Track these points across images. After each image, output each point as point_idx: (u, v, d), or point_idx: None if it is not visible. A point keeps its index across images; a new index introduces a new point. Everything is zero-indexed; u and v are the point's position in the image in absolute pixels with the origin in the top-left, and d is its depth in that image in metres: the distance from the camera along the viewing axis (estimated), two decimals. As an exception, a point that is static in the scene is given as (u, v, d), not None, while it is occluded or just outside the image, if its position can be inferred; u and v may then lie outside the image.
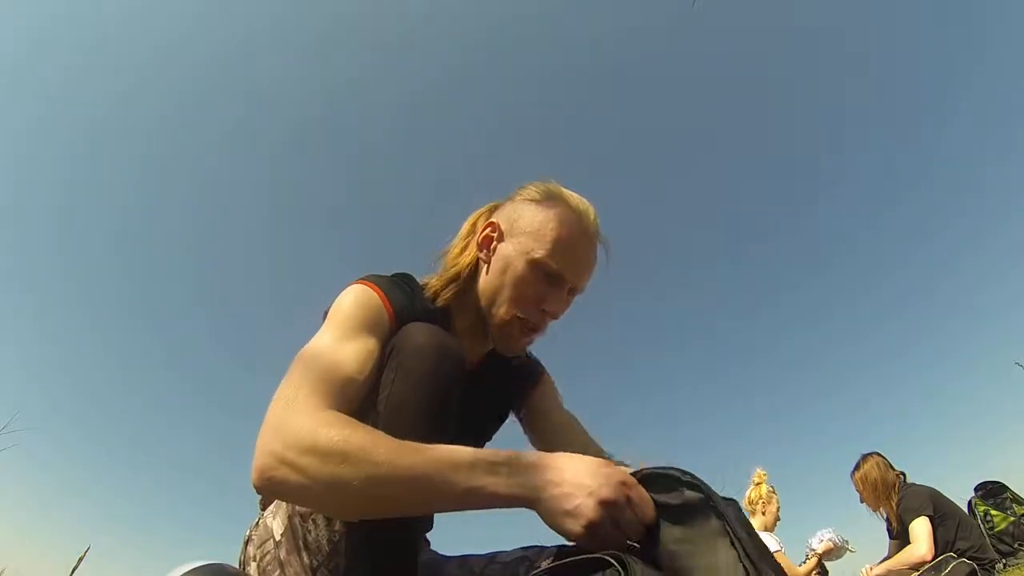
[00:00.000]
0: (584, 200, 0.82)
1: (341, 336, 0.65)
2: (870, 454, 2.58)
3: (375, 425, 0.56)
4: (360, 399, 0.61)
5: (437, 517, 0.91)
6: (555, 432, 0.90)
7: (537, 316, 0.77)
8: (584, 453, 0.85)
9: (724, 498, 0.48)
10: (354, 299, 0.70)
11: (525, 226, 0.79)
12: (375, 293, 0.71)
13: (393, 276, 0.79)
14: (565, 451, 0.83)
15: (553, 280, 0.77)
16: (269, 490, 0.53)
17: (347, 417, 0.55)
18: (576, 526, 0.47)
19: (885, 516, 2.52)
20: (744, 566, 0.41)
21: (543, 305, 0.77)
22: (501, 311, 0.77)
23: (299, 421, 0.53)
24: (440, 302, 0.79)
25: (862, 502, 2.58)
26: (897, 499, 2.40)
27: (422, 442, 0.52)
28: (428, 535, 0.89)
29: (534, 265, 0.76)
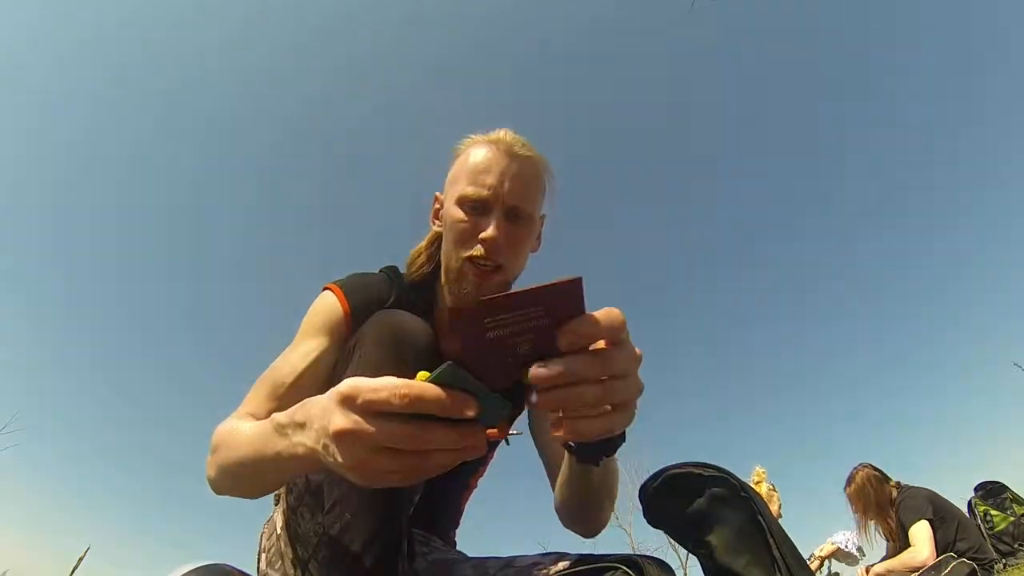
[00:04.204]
0: (501, 130, 0.81)
1: (290, 347, 0.72)
2: (861, 467, 2.53)
3: None
4: (299, 398, 0.64)
5: (466, 517, 0.92)
6: (551, 445, 0.82)
7: (484, 250, 0.74)
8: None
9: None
10: (311, 308, 0.76)
11: (451, 178, 0.82)
12: (332, 294, 0.76)
13: (381, 270, 0.84)
14: (558, 468, 0.74)
15: (480, 207, 0.75)
16: (212, 488, 0.62)
17: (244, 415, 0.65)
18: (347, 474, 0.36)
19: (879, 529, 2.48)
20: (774, 556, 0.42)
21: (481, 234, 0.74)
22: (452, 262, 0.77)
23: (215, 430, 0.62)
24: (408, 278, 0.83)
25: (855, 512, 2.52)
26: (895, 506, 2.38)
27: None
28: (455, 533, 0.90)
29: (460, 202, 0.76)
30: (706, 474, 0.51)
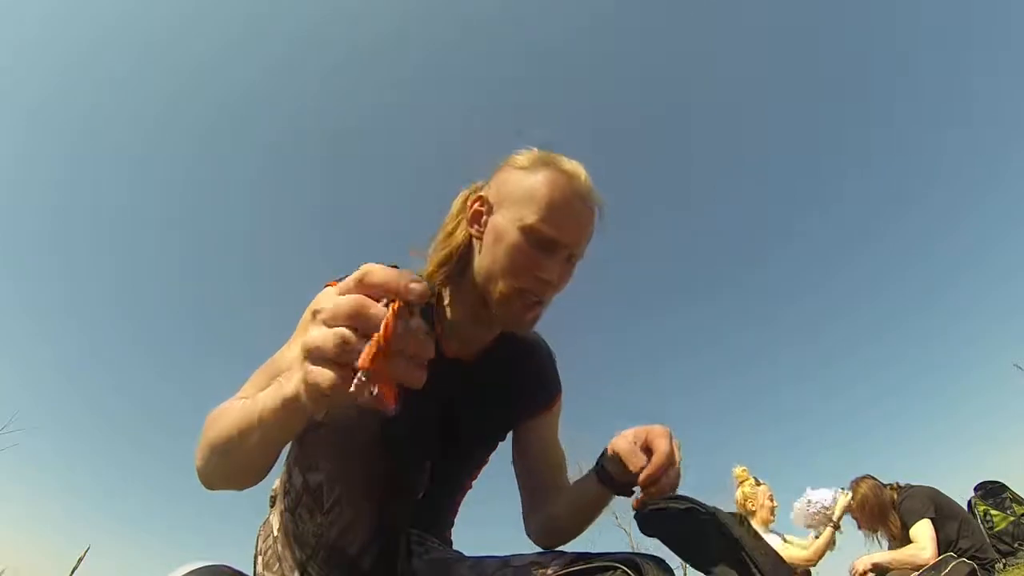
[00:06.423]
0: (575, 162, 0.78)
1: (288, 342, 0.72)
2: (861, 478, 2.52)
3: (329, 424, 0.60)
4: None
5: (460, 518, 0.92)
6: (542, 471, 0.88)
7: (537, 286, 0.73)
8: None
9: (732, 514, 0.51)
10: (311, 303, 0.76)
11: (514, 194, 0.75)
12: (332, 290, 0.75)
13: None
14: (546, 493, 0.85)
15: (548, 246, 0.73)
16: (200, 478, 0.60)
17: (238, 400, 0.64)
18: (304, 399, 0.38)
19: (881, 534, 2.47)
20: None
21: (540, 273, 0.72)
22: (500, 286, 0.74)
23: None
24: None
25: (860, 528, 2.49)
26: (897, 507, 2.37)
27: (376, 446, 0.58)
28: (450, 533, 0.90)
29: (526, 232, 0.72)
30: (671, 508, 0.55)
